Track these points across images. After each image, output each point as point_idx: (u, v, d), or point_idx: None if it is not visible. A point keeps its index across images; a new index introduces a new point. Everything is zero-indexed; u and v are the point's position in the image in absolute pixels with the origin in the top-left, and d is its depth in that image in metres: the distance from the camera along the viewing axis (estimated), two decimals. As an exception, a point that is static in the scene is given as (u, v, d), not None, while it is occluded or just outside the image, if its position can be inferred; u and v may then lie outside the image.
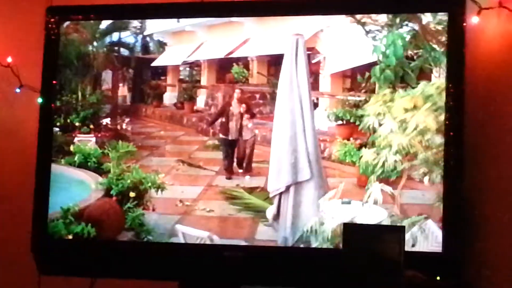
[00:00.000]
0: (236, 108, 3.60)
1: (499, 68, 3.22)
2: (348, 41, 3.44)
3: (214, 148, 3.63)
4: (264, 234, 3.41)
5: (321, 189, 3.39)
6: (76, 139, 3.59)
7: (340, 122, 3.42)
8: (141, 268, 3.39)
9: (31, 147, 3.52)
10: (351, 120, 3.36)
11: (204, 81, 3.73)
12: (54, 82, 3.54)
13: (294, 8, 3.44)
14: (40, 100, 3.54)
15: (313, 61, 3.52)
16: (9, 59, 3.76)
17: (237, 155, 3.60)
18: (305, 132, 3.40)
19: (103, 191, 3.52)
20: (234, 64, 3.61)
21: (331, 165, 3.43)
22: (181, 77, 3.77)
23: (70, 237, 3.44)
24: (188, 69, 3.75)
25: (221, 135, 3.65)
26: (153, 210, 3.49)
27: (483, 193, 3.21)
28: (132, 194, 3.49)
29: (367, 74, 3.32)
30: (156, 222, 3.47)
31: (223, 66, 3.67)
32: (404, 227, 2.98)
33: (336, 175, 3.41)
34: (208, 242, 3.40)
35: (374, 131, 3.28)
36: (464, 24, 3.15)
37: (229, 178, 3.55)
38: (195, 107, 3.74)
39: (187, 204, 3.49)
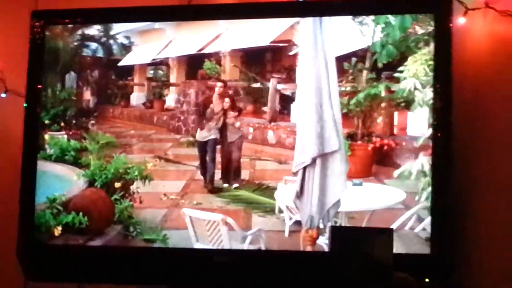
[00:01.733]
0: (217, 105, 3.50)
1: (486, 68, 3.23)
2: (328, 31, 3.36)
3: (189, 145, 3.60)
4: (265, 225, 3.36)
5: (346, 163, 3.27)
6: (46, 137, 3.56)
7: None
8: (129, 273, 3.36)
9: (16, 152, 3.49)
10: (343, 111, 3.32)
11: (173, 79, 3.72)
12: (39, 86, 3.51)
13: (277, 11, 3.45)
14: (25, 104, 3.51)
15: (290, 53, 3.51)
16: (-6, 64, 3.73)
17: (221, 163, 3.51)
18: (331, 99, 3.23)
19: (86, 183, 3.49)
20: (206, 60, 3.58)
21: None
22: (149, 76, 3.76)
23: (60, 228, 3.39)
24: (156, 67, 3.75)
25: (197, 138, 3.59)
26: (141, 202, 3.46)
27: (472, 194, 3.20)
28: (117, 185, 3.46)
29: (353, 59, 3.31)
30: (144, 216, 3.43)
31: (194, 63, 3.64)
32: (392, 229, 2.96)
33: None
34: (221, 225, 3.33)
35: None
36: (451, 25, 3.14)
37: (212, 191, 3.50)
38: (165, 106, 3.73)
39: (172, 198, 3.47)
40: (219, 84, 3.56)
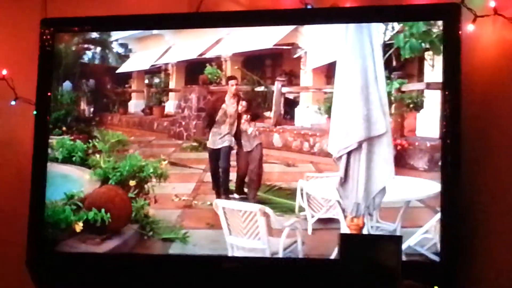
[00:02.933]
0: (231, 105, 3.41)
1: (495, 74, 3.24)
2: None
3: (192, 150, 3.59)
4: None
5: (393, 147, 3.18)
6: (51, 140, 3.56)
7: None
8: (138, 280, 3.35)
9: (26, 159, 3.51)
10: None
11: (172, 85, 3.71)
12: (49, 94, 3.52)
13: (287, 17, 3.45)
14: (35, 112, 3.53)
15: (295, 56, 3.50)
16: (4, 72, 3.75)
17: (237, 176, 3.44)
18: (377, 80, 3.12)
19: (99, 181, 3.48)
20: (207, 64, 3.57)
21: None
22: (148, 82, 3.75)
23: (80, 224, 3.38)
24: (155, 73, 3.74)
25: (208, 145, 3.51)
26: (156, 202, 3.45)
27: (481, 202, 3.20)
28: (132, 183, 3.45)
29: None
30: (160, 215, 3.42)
31: (194, 68, 3.64)
32: (401, 237, 2.95)
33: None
34: (259, 216, 3.24)
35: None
36: (460, 32, 3.14)
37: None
38: (165, 112, 3.71)
39: (185, 199, 3.47)
40: (232, 81, 3.49)
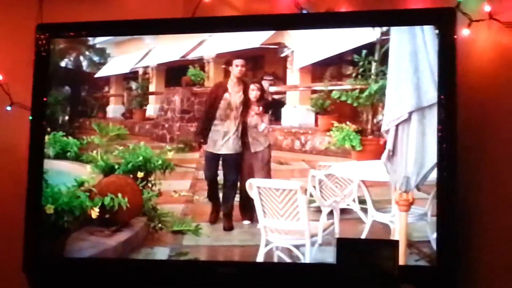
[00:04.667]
0: (235, 94, 3.13)
1: (491, 79, 3.25)
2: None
3: (178, 151, 3.46)
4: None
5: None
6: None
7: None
8: (135, 284, 3.34)
9: (22, 164, 3.50)
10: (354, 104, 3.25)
11: (152, 88, 3.66)
12: (44, 99, 3.52)
13: (283, 22, 3.46)
14: (31, 117, 3.52)
15: (282, 55, 3.44)
16: (0, 77, 3.74)
17: (240, 189, 3.21)
18: (426, 46, 3.05)
19: (101, 174, 3.45)
20: (190, 66, 3.51)
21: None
22: (128, 86, 3.70)
23: (97, 210, 3.31)
24: (136, 77, 3.68)
25: (206, 148, 3.32)
26: (160, 194, 3.40)
27: (478, 207, 3.21)
28: (140, 175, 3.40)
29: (364, 51, 3.26)
30: (168, 208, 3.38)
31: (175, 71, 3.57)
32: (397, 241, 2.95)
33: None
34: (300, 194, 3.11)
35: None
36: (455, 36, 3.14)
37: (229, 228, 3.29)
38: (146, 115, 3.64)
39: (184, 194, 3.45)
40: (237, 61, 3.23)
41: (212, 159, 3.30)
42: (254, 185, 3.16)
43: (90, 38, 3.66)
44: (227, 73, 3.42)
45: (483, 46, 3.25)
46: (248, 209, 3.21)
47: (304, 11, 3.50)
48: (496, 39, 3.23)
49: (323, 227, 3.20)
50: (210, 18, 3.59)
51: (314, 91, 3.42)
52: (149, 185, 3.40)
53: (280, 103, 3.43)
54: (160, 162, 3.39)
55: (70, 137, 3.54)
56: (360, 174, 3.23)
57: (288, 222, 3.19)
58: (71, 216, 3.32)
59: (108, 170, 3.45)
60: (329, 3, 3.48)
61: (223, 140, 3.25)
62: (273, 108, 3.33)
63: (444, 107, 3.11)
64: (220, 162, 3.32)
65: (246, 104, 3.23)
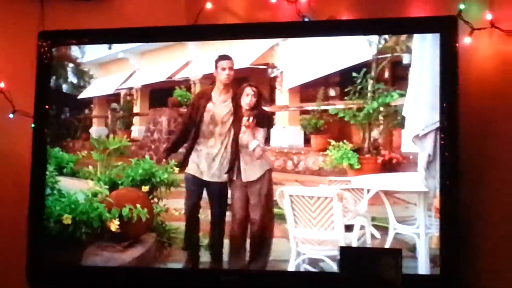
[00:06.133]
0: (222, 105, 2.56)
1: (492, 87, 3.26)
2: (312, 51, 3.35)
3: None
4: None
5: None
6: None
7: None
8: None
9: (25, 172, 3.49)
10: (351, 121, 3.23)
11: (137, 109, 3.59)
12: (46, 106, 3.52)
13: (287, 30, 3.45)
14: (33, 125, 3.52)
15: (272, 75, 3.37)
16: (2, 85, 3.75)
17: (231, 230, 2.70)
18: None
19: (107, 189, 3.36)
20: (177, 87, 3.40)
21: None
22: (113, 107, 3.63)
23: (116, 222, 3.22)
24: (120, 98, 3.63)
25: (188, 170, 2.94)
26: (166, 211, 3.31)
27: (480, 215, 3.21)
28: (145, 188, 3.30)
29: (363, 69, 3.27)
30: (175, 224, 3.29)
31: (159, 92, 3.50)
32: (401, 250, 2.96)
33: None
34: (336, 202, 3.01)
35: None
36: (457, 44, 3.15)
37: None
38: (131, 136, 3.54)
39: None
40: (223, 63, 2.81)
41: (194, 185, 2.89)
42: (286, 194, 2.94)
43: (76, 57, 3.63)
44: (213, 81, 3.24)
45: (484, 54, 3.26)
46: (239, 258, 2.69)
47: (306, 19, 3.51)
48: (498, 47, 3.24)
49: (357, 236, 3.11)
50: (212, 25, 3.59)
51: (303, 112, 3.40)
52: (155, 200, 3.32)
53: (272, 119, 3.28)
54: (166, 176, 3.28)
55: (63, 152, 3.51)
56: (388, 184, 3.18)
57: (321, 231, 3.09)
58: (89, 228, 3.20)
59: (111, 186, 3.40)
60: (331, 11, 3.49)
61: (207, 163, 2.84)
62: (267, 123, 3.05)
63: (445, 115, 3.12)
64: (205, 190, 2.90)
65: (236, 115, 2.79)
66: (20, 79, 3.69)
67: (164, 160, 3.17)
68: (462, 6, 3.24)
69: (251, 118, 2.49)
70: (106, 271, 3.37)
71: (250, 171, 2.54)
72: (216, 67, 2.95)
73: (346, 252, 2.91)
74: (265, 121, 2.60)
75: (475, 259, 3.19)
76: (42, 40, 3.54)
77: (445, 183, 3.10)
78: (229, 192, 2.82)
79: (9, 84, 3.75)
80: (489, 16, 3.23)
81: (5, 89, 3.74)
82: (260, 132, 2.57)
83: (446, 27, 3.18)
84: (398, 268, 2.78)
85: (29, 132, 3.54)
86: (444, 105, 3.14)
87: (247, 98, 2.60)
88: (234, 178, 2.56)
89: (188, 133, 2.93)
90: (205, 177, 2.70)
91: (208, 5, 3.64)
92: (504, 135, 3.22)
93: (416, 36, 3.22)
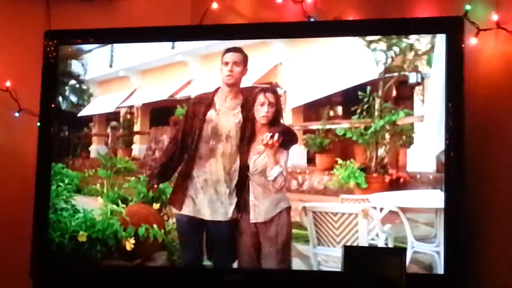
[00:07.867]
0: (229, 113, 2.03)
1: (498, 88, 3.24)
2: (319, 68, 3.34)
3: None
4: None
5: None
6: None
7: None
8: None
9: (30, 171, 3.50)
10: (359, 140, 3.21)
11: (137, 128, 3.53)
12: (52, 105, 3.53)
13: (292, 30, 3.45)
14: (39, 124, 3.53)
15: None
16: (8, 83, 3.76)
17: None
18: None
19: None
20: (178, 106, 3.30)
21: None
22: (112, 125, 3.59)
23: (132, 241, 3.15)
24: (120, 116, 3.59)
25: (183, 212, 2.39)
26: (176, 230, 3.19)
27: (485, 215, 3.20)
28: (156, 206, 3.17)
29: (368, 88, 3.26)
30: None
31: (160, 111, 3.46)
32: (405, 249, 2.95)
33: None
34: (361, 218, 2.91)
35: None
36: (463, 45, 3.15)
37: None
38: (132, 155, 3.46)
39: None
40: (228, 56, 2.31)
41: (190, 229, 2.41)
42: (309, 211, 2.68)
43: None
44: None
45: (491, 55, 3.25)
46: None
47: (312, 19, 3.51)
48: (504, 48, 3.22)
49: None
50: (218, 26, 3.60)
51: (306, 131, 3.38)
52: (165, 217, 3.12)
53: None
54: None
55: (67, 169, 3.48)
56: (406, 202, 3.11)
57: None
58: (103, 246, 3.07)
59: (122, 202, 3.33)
60: (337, 11, 3.50)
61: (206, 195, 2.33)
62: (292, 144, 2.66)
63: (451, 115, 3.12)
64: (205, 234, 2.43)
65: (246, 128, 2.31)
66: (26, 78, 3.70)
67: (155, 186, 2.88)
68: (468, 7, 3.23)
69: (276, 136, 1.98)
70: (108, 271, 3.34)
71: (261, 208, 2.05)
72: (221, 63, 2.60)
73: (350, 251, 2.90)
74: (292, 141, 2.12)
75: (479, 260, 3.18)
76: (48, 39, 3.55)
77: (451, 183, 3.09)
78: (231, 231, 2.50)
79: (15, 83, 3.76)
80: (495, 17, 3.22)
81: (11, 88, 3.75)
82: (284, 156, 2.09)
83: (452, 28, 3.18)
84: (402, 267, 2.76)
85: (35, 130, 3.55)
86: (450, 105, 3.14)
87: (262, 108, 2.11)
88: (238, 217, 2.07)
89: (181, 153, 2.57)
90: (206, 216, 2.19)
91: (214, 5, 3.65)
92: (510, 135, 3.20)
93: (436, 49, 3.20)
